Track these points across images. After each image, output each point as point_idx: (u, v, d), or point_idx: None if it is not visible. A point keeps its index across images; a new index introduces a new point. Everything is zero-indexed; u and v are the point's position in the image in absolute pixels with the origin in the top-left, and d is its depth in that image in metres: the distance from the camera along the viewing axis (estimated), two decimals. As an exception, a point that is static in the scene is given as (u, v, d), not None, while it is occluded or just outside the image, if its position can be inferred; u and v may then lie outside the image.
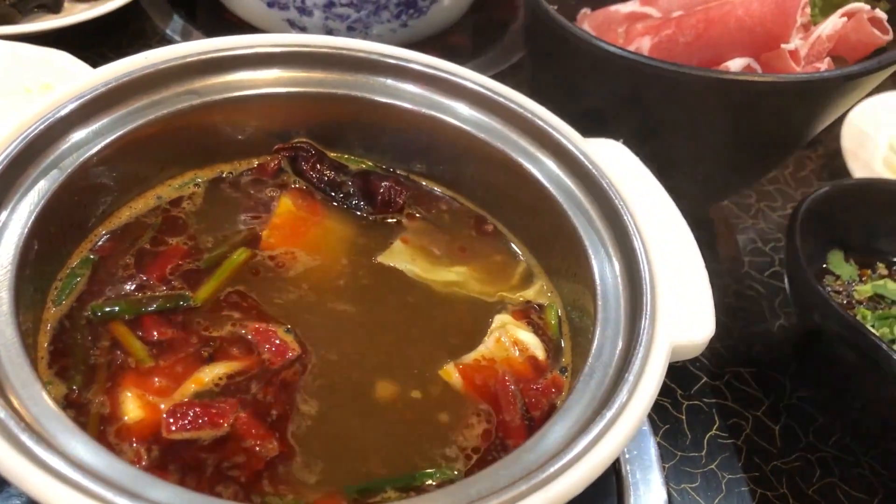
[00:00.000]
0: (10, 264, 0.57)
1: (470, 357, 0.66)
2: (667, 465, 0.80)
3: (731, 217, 1.11)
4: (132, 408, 0.57)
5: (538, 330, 0.69)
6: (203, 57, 0.72)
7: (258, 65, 0.74)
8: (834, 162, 1.22)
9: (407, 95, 0.76)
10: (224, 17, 1.27)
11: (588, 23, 1.05)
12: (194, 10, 1.29)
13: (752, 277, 1.03)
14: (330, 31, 1.19)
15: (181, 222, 0.73)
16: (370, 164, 0.81)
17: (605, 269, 0.65)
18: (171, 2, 1.29)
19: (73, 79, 0.97)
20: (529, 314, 0.71)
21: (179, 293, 0.66)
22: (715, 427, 0.85)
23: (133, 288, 0.66)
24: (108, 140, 0.67)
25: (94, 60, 1.03)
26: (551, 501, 0.48)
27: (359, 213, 0.77)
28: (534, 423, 0.62)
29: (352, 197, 0.78)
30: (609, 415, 0.52)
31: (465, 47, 1.34)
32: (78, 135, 0.66)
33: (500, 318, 0.70)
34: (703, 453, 0.83)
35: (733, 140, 0.88)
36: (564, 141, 0.70)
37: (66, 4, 1.19)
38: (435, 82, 0.75)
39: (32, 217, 0.60)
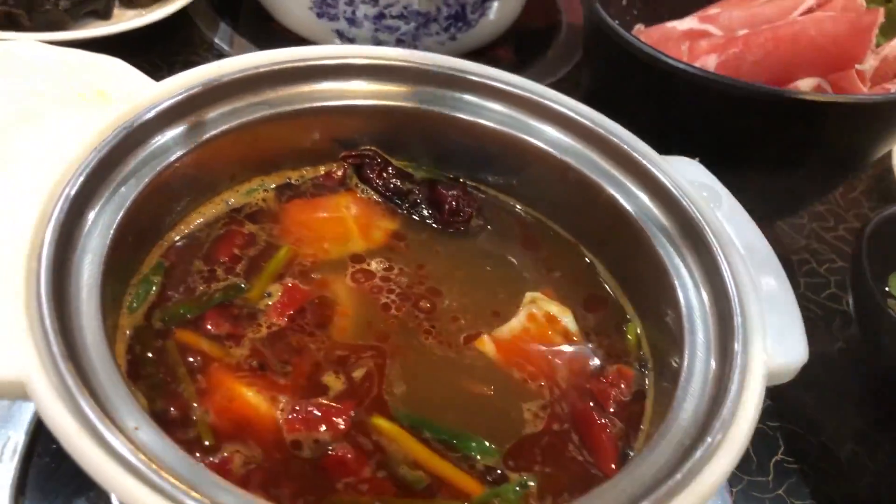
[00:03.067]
0: (97, 275, 0.56)
1: (504, 329, 0.67)
2: (734, 490, 0.79)
3: (784, 238, 1.10)
4: (249, 403, 0.57)
5: (616, 345, 0.68)
6: (276, 68, 0.72)
7: (332, 76, 0.74)
8: (883, 183, 1.21)
9: (488, 113, 0.75)
10: (271, 27, 1.26)
11: (644, 39, 1.04)
12: (241, 20, 1.29)
13: (808, 299, 1.02)
14: (378, 43, 1.19)
15: (249, 226, 0.72)
16: (437, 172, 0.80)
17: (690, 291, 0.64)
18: (217, 10, 1.29)
19: (129, 87, 0.97)
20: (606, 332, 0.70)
21: (237, 284, 0.66)
22: (780, 451, 0.84)
23: (199, 287, 0.66)
24: (185, 149, 0.66)
25: (143, 67, 1.03)
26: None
27: (425, 221, 0.76)
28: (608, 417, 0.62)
29: (418, 206, 0.77)
30: (711, 440, 0.51)
31: (510, 60, 1.33)
32: (156, 143, 0.65)
33: (531, 295, 0.70)
34: (770, 478, 0.81)
35: (799, 160, 0.87)
36: (644, 161, 0.69)
37: (114, 11, 1.19)
38: (514, 100, 0.74)
39: (114, 226, 0.59)
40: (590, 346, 0.68)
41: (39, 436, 0.72)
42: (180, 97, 0.67)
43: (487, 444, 0.59)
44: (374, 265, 0.71)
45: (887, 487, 0.82)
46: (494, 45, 1.32)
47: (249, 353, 0.62)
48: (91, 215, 0.59)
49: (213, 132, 0.68)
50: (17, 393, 0.47)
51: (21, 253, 0.52)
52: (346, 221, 0.73)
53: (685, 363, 0.60)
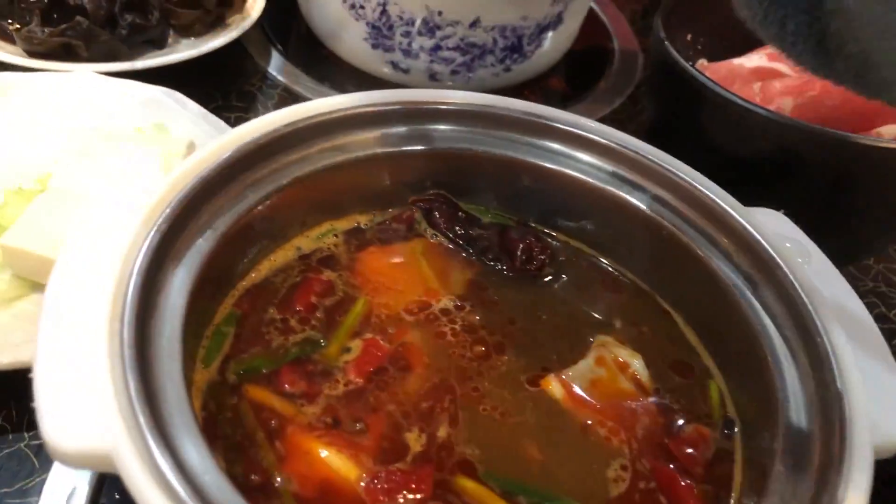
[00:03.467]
0: (178, 333, 0.54)
1: (571, 372, 0.65)
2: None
3: (849, 279, 1.06)
4: (330, 467, 0.56)
5: (694, 401, 0.66)
6: (351, 113, 0.70)
7: (405, 121, 0.72)
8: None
9: (574, 164, 0.73)
10: (323, 56, 1.25)
11: (710, 75, 1.01)
12: (293, 48, 1.28)
13: (879, 346, 0.98)
14: (433, 75, 1.17)
15: (324, 273, 0.70)
16: (505, 216, 0.78)
17: (782, 356, 0.61)
18: (270, 39, 1.28)
19: (188, 119, 0.96)
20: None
21: (314, 338, 0.65)
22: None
23: (275, 339, 0.64)
24: (260, 196, 0.65)
25: (198, 98, 1.02)
26: None
27: (496, 268, 0.74)
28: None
29: (488, 252, 0.75)
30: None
31: (562, 91, 1.31)
32: (231, 191, 0.64)
33: (602, 338, 0.68)
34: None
35: (878, 207, 0.84)
36: (733, 213, 0.67)
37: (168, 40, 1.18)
38: (609, 153, 0.72)
39: (193, 280, 0.58)
40: (664, 399, 0.65)
41: (103, 487, 0.71)
42: (255, 144, 0.65)
43: None
44: (452, 314, 0.69)
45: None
46: (547, 76, 1.30)
47: (323, 412, 0.60)
48: (170, 270, 0.57)
49: (289, 178, 0.67)
50: (103, 465, 0.46)
51: (103, 315, 0.51)
52: (422, 269, 0.71)
53: (780, 433, 0.57)
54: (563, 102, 1.28)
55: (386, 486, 0.55)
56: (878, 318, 1.00)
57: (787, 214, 0.70)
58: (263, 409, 0.59)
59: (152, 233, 0.56)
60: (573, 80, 1.35)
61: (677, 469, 0.61)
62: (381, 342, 0.65)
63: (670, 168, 0.70)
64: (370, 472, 0.56)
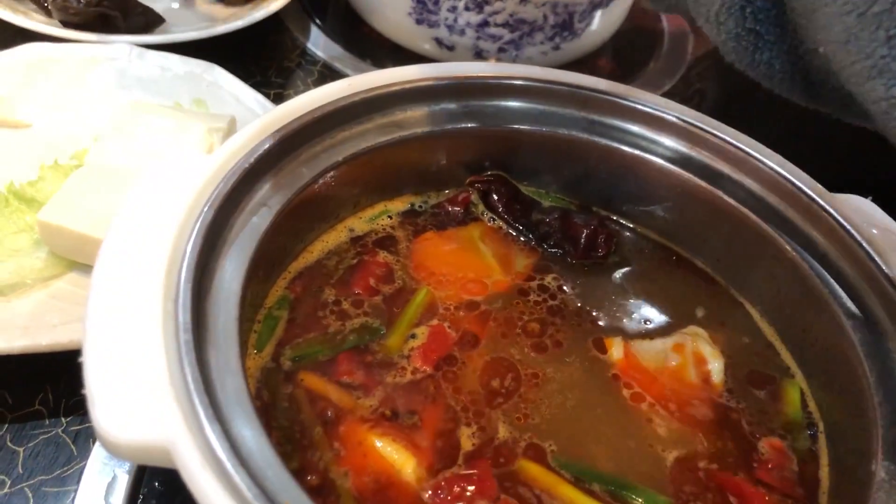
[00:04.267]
0: (234, 316, 0.50)
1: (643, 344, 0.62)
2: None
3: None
4: (388, 462, 0.52)
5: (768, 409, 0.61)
6: (409, 87, 0.66)
7: (463, 97, 0.68)
8: None
9: (659, 150, 0.68)
10: (363, 32, 1.21)
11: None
12: (333, 23, 1.24)
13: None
14: (479, 52, 1.13)
15: (382, 255, 0.66)
16: (566, 200, 0.74)
17: (878, 363, 0.56)
18: (309, 14, 1.24)
19: (228, 94, 0.92)
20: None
21: (373, 326, 0.61)
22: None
23: (331, 324, 0.61)
24: (317, 172, 0.61)
25: (236, 73, 0.98)
26: None
27: (558, 255, 0.70)
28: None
29: (549, 237, 0.71)
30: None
31: (611, 72, 1.26)
32: (286, 168, 0.60)
33: (694, 328, 0.64)
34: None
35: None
36: (821, 200, 0.62)
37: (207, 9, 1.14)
38: (685, 135, 0.67)
39: (248, 260, 0.54)
40: (731, 403, 0.61)
41: (144, 475, 0.67)
42: (310, 118, 0.61)
43: (661, 497, 0.53)
44: (517, 300, 0.65)
45: None
46: (595, 56, 1.25)
47: (381, 403, 0.56)
48: (225, 249, 0.54)
49: (345, 155, 0.63)
50: (159, 458, 0.42)
51: (154, 299, 0.47)
52: (483, 256, 0.67)
53: (877, 435, 0.52)
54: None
55: (449, 497, 0.51)
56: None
57: (875, 201, 0.66)
58: (319, 398, 0.56)
59: (205, 210, 0.53)
60: (622, 61, 1.30)
61: (745, 478, 0.57)
62: (448, 329, 0.61)
63: (750, 152, 0.66)
64: (431, 475, 0.52)
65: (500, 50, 1.13)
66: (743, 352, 0.65)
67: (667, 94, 1.20)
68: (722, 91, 0.95)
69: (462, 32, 1.11)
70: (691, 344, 0.63)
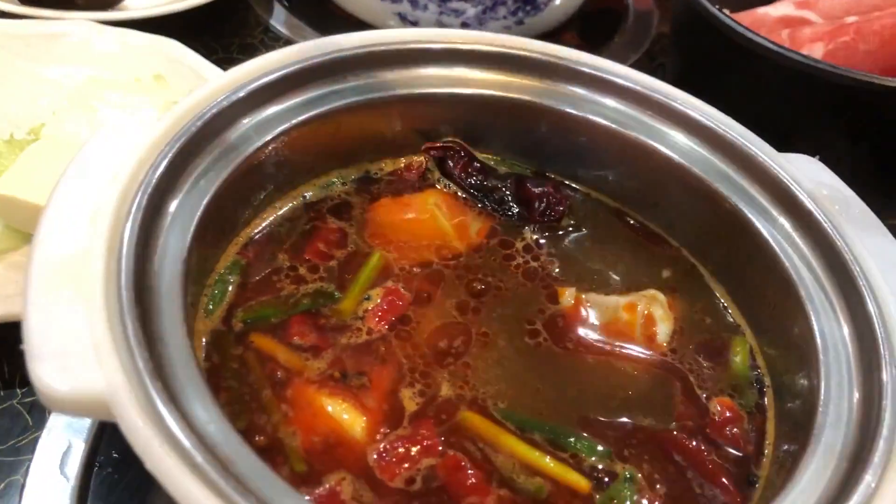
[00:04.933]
0: (179, 277, 0.50)
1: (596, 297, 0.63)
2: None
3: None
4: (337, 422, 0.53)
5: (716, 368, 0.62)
6: (361, 51, 0.66)
7: (421, 62, 0.68)
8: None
9: (602, 110, 0.69)
10: (328, 8, 1.21)
11: (733, 25, 0.97)
12: (298, 1, 1.23)
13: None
14: (442, 27, 1.13)
15: (334, 222, 0.67)
16: (522, 166, 0.75)
17: (821, 307, 0.58)
18: (273, -9, 1.23)
19: (188, 69, 0.92)
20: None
21: (326, 290, 0.61)
22: None
23: (285, 287, 0.61)
24: (267, 137, 0.61)
25: (198, 50, 0.98)
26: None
27: (513, 220, 0.70)
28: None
29: (505, 203, 0.71)
30: (870, 480, 0.45)
31: (576, 46, 1.26)
32: (237, 131, 0.60)
33: (653, 292, 0.65)
34: None
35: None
36: (767, 161, 0.63)
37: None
38: (634, 98, 0.68)
39: (194, 222, 0.54)
40: (681, 362, 0.61)
41: (100, 444, 0.67)
42: (260, 83, 0.61)
43: (601, 446, 0.54)
44: (470, 264, 0.65)
45: None
46: (560, 31, 1.26)
47: (330, 365, 0.56)
48: (170, 211, 0.53)
49: (295, 121, 0.63)
50: (100, 412, 0.42)
51: (98, 255, 0.47)
52: (439, 221, 0.67)
53: (822, 387, 0.53)
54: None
55: (395, 458, 0.51)
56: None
57: (822, 160, 0.67)
58: (269, 360, 0.56)
59: (151, 172, 0.53)
60: (587, 35, 1.30)
61: (685, 435, 0.57)
62: (402, 290, 0.61)
63: (701, 114, 0.66)
64: (378, 436, 0.52)
65: (464, 25, 1.13)
66: (695, 312, 0.66)
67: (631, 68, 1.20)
68: (683, 63, 0.95)
69: (425, 7, 1.11)
70: (645, 304, 0.63)
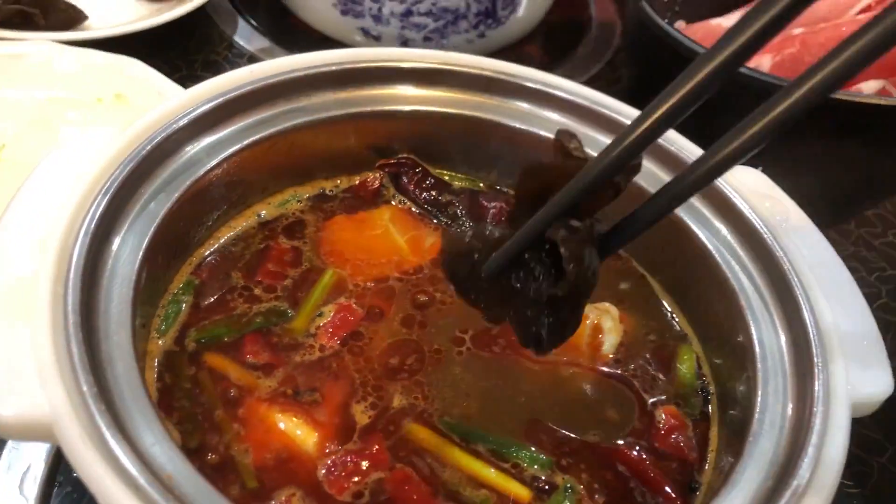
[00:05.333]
0: (128, 299, 0.51)
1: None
2: (793, 518, 0.75)
3: (830, 243, 1.05)
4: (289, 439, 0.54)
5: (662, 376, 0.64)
6: (312, 72, 0.67)
7: (373, 81, 0.69)
8: (931, 186, 1.16)
9: (546, 123, 0.70)
10: (291, 24, 1.22)
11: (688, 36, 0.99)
12: (261, 16, 1.24)
13: (859, 310, 0.97)
14: (405, 41, 1.14)
15: (287, 241, 0.68)
16: (475, 181, 0.76)
17: (760, 316, 0.59)
18: (237, 7, 1.24)
19: (150, 88, 0.93)
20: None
21: (280, 309, 0.62)
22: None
23: (238, 307, 0.62)
24: (218, 159, 0.62)
25: (162, 68, 0.99)
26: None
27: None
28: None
29: (459, 218, 0.73)
30: (797, 483, 0.47)
31: (539, 59, 1.28)
32: (186, 154, 0.61)
33: (607, 305, 0.66)
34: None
35: (857, 166, 0.83)
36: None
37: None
38: (577, 111, 0.69)
39: (144, 245, 0.55)
40: (627, 372, 0.63)
41: (60, 464, 0.68)
42: (212, 104, 0.62)
43: (542, 455, 0.55)
44: (424, 279, 0.66)
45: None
46: (523, 43, 1.27)
47: (281, 382, 0.58)
48: (119, 234, 0.55)
49: (247, 141, 0.64)
50: (43, 435, 0.43)
51: (45, 279, 0.48)
52: (393, 237, 0.68)
53: (759, 395, 0.55)
54: (540, 69, 1.25)
55: (344, 472, 0.53)
56: (859, 283, 0.99)
57: (766, 173, 0.68)
58: (222, 378, 0.57)
59: (100, 196, 0.54)
60: (550, 47, 1.32)
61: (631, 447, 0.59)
62: (354, 306, 0.62)
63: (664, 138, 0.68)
64: (328, 450, 0.53)
65: (426, 39, 1.14)
66: (644, 324, 0.67)
67: (593, 78, 1.23)
68: (638, 75, 0.97)
69: (387, 22, 1.12)
70: (595, 316, 0.65)
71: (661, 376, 0.63)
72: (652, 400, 0.61)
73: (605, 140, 0.69)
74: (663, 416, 0.61)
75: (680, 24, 1.03)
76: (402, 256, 0.68)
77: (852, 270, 0.99)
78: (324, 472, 0.53)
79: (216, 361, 0.58)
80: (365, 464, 0.53)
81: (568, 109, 0.70)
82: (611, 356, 0.63)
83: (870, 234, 1.08)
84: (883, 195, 0.95)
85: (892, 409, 0.83)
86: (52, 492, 0.66)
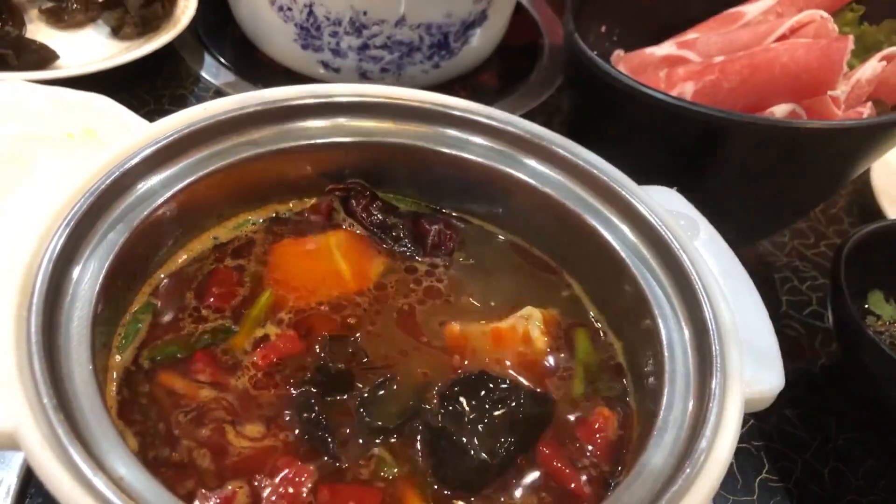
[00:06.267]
0: (87, 321, 0.57)
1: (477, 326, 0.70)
2: (720, 511, 0.80)
3: (766, 255, 1.12)
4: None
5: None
6: (260, 108, 0.73)
7: (318, 114, 0.75)
8: (864, 198, 1.23)
9: (468, 146, 0.76)
10: (256, 58, 1.28)
11: (623, 65, 1.06)
12: (227, 51, 1.30)
13: (790, 317, 1.03)
14: (364, 73, 1.20)
15: (237, 262, 0.73)
16: (421, 204, 0.82)
17: (669, 316, 0.65)
18: (203, 43, 1.30)
19: (118, 123, 0.98)
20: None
21: (226, 326, 0.67)
22: (765, 470, 0.85)
23: (188, 326, 0.67)
24: (172, 192, 0.67)
25: (131, 103, 1.04)
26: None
27: (411, 255, 0.77)
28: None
29: (402, 240, 0.78)
30: (689, 471, 0.53)
31: (493, 86, 1.35)
32: (143, 187, 0.66)
33: (530, 310, 0.71)
34: (755, 497, 0.83)
35: (776, 184, 0.89)
36: (622, 191, 0.71)
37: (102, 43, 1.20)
38: (494, 133, 0.75)
39: (103, 272, 0.60)
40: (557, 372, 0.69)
41: (32, 477, 0.73)
42: (165, 141, 0.68)
43: None
44: (365, 302, 0.71)
45: (869, 503, 0.84)
46: (477, 72, 1.34)
47: (225, 397, 0.62)
48: (80, 263, 0.60)
49: (200, 173, 0.69)
50: (7, 443, 0.48)
51: (10, 302, 0.53)
52: (338, 262, 0.74)
53: (664, 396, 0.61)
54: (494, 97, 1.32)
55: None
56: (791, 292, 1.06)
57: (691, 194, 0.74)
58: (173, 394, 0.62)
59: (62, 227, 0.59)
60: (504, 75, 1.38)
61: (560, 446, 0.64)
62: (289, 333, 0.67)
63: (572, 153, 0.74)
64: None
65: (383, 70, 1.21)
66: (570, 329, 0.73)
67: (544, 104, 1.30)
68: (574, 104, 1.04)
69: (345, 56, 1.18)
70: (522, 324, 0.70)
71: (581, 375, 0.69)
72: (578, 401, 0.67)
73: (543, 168, 0.75)
74: (589, 415, 0.66)
75: (618, 53, 1.09)
76: (345, 280, 0.73)
77: (785, 280, 1.06)
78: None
79: (168, 379, 0.63)
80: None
81: (491, 133, 0.75)
82: (541, 358, 0.69)
83: (803, 245, 1.14)
84: (805, 209, 1.01)
85: (816, 408, 0.89)
86: (25, 503, 0.71)
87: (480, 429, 0.60)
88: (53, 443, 0.47)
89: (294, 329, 0.68)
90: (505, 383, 0.63)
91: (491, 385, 0.62)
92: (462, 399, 0.62)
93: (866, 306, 0.96)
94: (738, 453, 0.86)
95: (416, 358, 0.68)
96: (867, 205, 1.20)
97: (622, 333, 0.72)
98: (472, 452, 0.58)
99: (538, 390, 0.66)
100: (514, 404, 0.61)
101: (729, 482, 0.83)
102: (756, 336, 0.63)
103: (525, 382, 0.67)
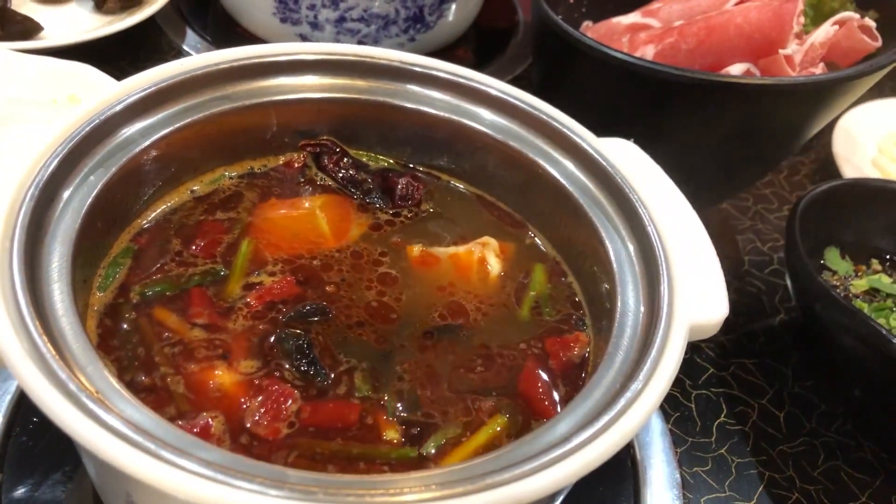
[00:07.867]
0: (68, 256, 0.60)
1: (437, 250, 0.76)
2: (679, 451, 0.84)
3: (730, 219, 1.16)
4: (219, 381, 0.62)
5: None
6: (235, 64, 0.76)
7: (289, 71, 0.78)
8: (826, 166, 1.27)
9: (431, 101, 0.80)
10: (237, 32, 1.31)
11: (591, 34, 1.09)
12: (207, 26, 1.33)
13: (752, 275, 1.07)
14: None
15: (220, 214, 0.76)
16: (389, 161, 0.85)
17: (621, 251, 0.69)
18: (184, 18, 1.33)
19: (99, 90, 1.01)
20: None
21: (214, 270, 0.71)
22: (723, 415, 0.89)
23: (175, 270, 0.70)
24: (150, 140, 0.71)
25: (114, 74, 1.07)
26: (573, 473, 0.51)
27: (383, 209, 0.80)
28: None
29: (371, 193, 0.82)
30: (636, 386, 0.56)
31: (469, 60, 1.38)
32: (123, 135, 0.70)
33: (487, 239, 0.77)
34: (713, 439, 0.86)
35: (733, 142, 0.93)
36: (579, 140, 0.75)
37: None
38: (458, 88, 0.79)
39: (83, 210, 0.63)
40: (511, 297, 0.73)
41: (17, 417, 0.76)
42: (145, 93, 0.71)
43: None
44: (345, 254, 0.75)
45: (821, 443, 0.88)
46: (454, 46, 1.37)
47: (218, 340, 0.65)
48: (62, 200, 0.63)
49: (177, 125, 0.73)
50: (-7, 360, 0.52)
51: (-6, 234, 0.57)
52: (320, 223, 0.77)
53: (616, 319, 0.64)
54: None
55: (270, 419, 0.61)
56: (754, 252, 1.10)
57: (653, 153, 0.77)
58: (158, 325, 0.65)
59: (44, 167, 0.62)
60: (479, 50, 1.42)
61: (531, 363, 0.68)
62: (277, 280, 0.70)
63: (530, 105, 0.78)
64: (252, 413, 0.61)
65: (360, 43, 1.24)
66: (521, 254, 0.77)
67: (517, 78, 1.33)
68: (542, 67, 1.07)
69: (323, 28, 1.22)
70: (479, 249, 0.75)
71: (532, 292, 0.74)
72: (541, 321, 0.71)
73: (507, 122, 0.79)
74: (550, 338, 0.70)
75: (587, 24, 1.13)
76: (324, 238, 0.77)
77: (748, 241, 1.10)
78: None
79: (159, 314, 0.66)
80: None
81: (450, 88, 0.79)
82: (498, 281, 0.73)
83: (766, 209, 1.18)
84: (763, 167, 1.05)
85: (774, 359, 0.93)
86: (9, 442, 0.75)
87: None
88: (37, 357, 0.50)
89: (285, 276, 0.71)
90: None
91: None
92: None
93: (822, 262, 1.00)
94: (698, 399, 0.90)
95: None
96: (830, 172, 1.24)
97: (580, 274, 0.75)
98: None
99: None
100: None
101: (689, 425, 0.87)
102: (703, 268, 0.67)
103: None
